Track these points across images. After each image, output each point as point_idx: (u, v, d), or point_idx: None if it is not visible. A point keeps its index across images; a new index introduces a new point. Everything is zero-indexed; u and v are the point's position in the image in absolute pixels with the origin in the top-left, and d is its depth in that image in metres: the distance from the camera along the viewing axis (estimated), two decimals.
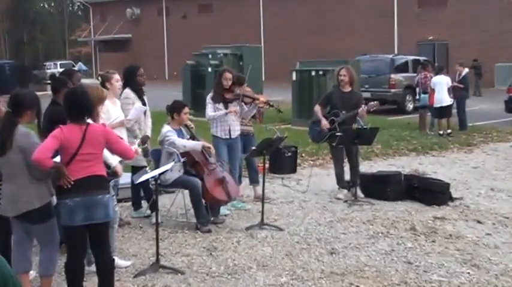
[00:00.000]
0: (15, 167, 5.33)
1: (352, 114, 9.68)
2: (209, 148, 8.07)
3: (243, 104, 8.95)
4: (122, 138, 5.83)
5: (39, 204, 5.34)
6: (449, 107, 16.73)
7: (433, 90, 16.84)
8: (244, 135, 9.38)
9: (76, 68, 42.28)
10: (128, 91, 8.32)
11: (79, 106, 5.25)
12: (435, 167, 12.43)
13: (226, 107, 8.85)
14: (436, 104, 16.65)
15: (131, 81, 8.39)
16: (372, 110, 9.92)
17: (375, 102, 10.13)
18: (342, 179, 9.95)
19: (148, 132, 8.44)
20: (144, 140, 8.31)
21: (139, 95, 8.38)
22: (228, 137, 8.90)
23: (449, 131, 16.44)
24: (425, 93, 17.33)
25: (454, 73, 18.20)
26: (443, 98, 16.59)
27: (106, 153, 5.67)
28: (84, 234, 5.33)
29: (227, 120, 8.85)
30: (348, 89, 9.83)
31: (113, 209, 5.98)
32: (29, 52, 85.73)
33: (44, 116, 6.46)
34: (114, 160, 6.05)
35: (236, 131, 8.99)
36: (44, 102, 6.35)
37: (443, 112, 16.65)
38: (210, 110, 8.82)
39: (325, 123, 9.69)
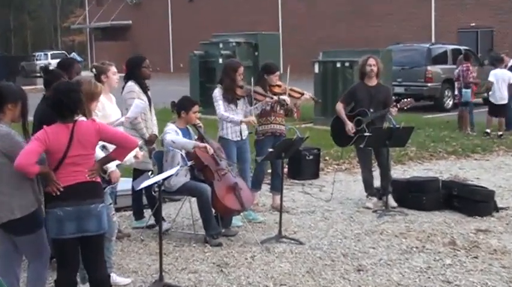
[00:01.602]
0: None
1: (382, 113, 9.66)
2: (204, 147, 8.01)
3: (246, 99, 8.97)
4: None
5: (20, 214, 5.35)
6: (506, 105, 16.74)
7: (490, 83, 16.81)
8: (277, 135, 9.34)
9: (69, 57, 42.41)
10: (131, 84, 8.36)
11: (64, 103, 5.29)
12: (478, 172, 12.38)
13: (235, 105, 8.87)
14: (498, 101, 16.65)
15: (135, 73, 8.43)
16: (406, 108, 9.87)
17: (409, 99, 10.05)
18: (370, 185, 9.93)
19: (155, 131, 8.49)
20: (151, 140, 8.34)
21: (144, 89, 8.42)
22: (239, 138, 8.93)
23: (500, 133, 16.38)
24: (467, 88, 17.27)
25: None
26: (504, 95, 16.67)
27: (99, 154, 5.71)
28: (76, 247, 5.38)
29: (237, 121, 8.86)
30: (373, 82, 9.80)
31: (110, 219, 6.03)
32: (17, 41, 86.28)
33: (34, 115, 6.51)
34: (111, 164, 6.08)
35: (246, 132, 9.05)
36: (34, 97, 6.40)
37: (500, 110, 16.67)
38: (222, 108, 8.79)
39: (350, 127, 9.66)
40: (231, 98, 8.81)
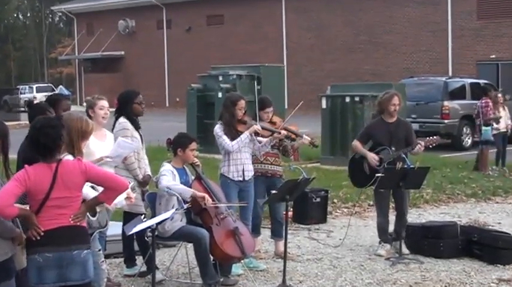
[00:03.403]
0: None
1: (405, 152, 9.67)
2: (202, 198, 7.91)
3: (255, 137, 8.89)
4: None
5: None
6: None
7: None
8: (268, 176, 9.34)
9: (56, 92, 42.65)
10: (124, 121, 8.37)
11: (40, 142, 5.26)
12: (499, 216, 12.37)
13: None
14: None
15: (126, 109, 8.45)
16: (431, 146, 9.89)
17: (436, 137, 10.07)
18: (385, 231, 9.88)
19: (148, 171, 8.48)
20: (145, 181, 8.34)
21: (136, 126, 8.44)
22: (240, 178, 8.88)
23: None
24: (487, 125, 17.32)
25: None
26: None
27: (87, 194, 5.69)
28: None
29: (241, 159, 8.81)
30: (393, 118, 9.82)
31: (98, 266, 6.01)
32: (0, 73, 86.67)
33: (18, 153, 6.52)
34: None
35: (250, 172, 8.95)
36: (18, 133, 6.42)
37: None
38: (228, 141, 8.62)
39: (373, 155, 9.65)
40: (232, 134, 8.73)
